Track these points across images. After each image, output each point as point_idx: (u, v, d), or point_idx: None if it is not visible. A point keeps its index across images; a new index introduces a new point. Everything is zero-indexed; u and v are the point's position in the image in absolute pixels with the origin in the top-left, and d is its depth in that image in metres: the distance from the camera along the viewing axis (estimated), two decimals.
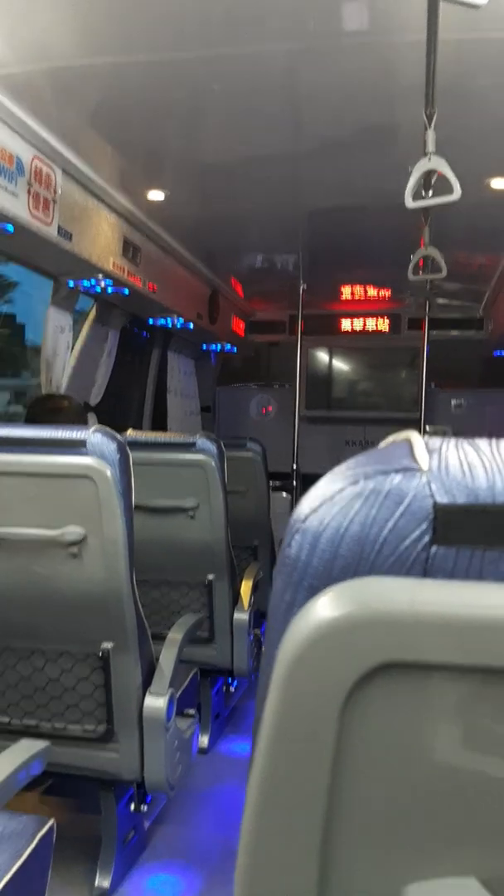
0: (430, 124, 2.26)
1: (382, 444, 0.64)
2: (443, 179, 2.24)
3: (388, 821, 0.56)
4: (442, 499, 0.53)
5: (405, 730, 0.54)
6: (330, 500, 0.56)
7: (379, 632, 0.52)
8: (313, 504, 0.56)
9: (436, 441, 0.58)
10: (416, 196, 2.29)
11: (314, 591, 0.55)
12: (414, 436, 0.60)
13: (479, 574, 0.53)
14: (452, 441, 0.58)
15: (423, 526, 0.53)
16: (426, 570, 0.53)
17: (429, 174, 2.27)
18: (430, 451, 0.56)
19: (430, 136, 2.26)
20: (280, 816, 0.56)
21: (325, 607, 0.53)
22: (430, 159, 2.24)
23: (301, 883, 0.57)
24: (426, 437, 0.59)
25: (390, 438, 0.65)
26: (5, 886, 1.63)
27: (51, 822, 1.82)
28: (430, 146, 2.24)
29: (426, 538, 0.53)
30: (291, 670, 0.53)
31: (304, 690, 0.54)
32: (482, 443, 0.58)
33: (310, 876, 0.57)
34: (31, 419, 3.22)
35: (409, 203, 2.25)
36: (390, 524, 0.54)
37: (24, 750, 1.72)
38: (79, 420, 3.32)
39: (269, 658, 0.57)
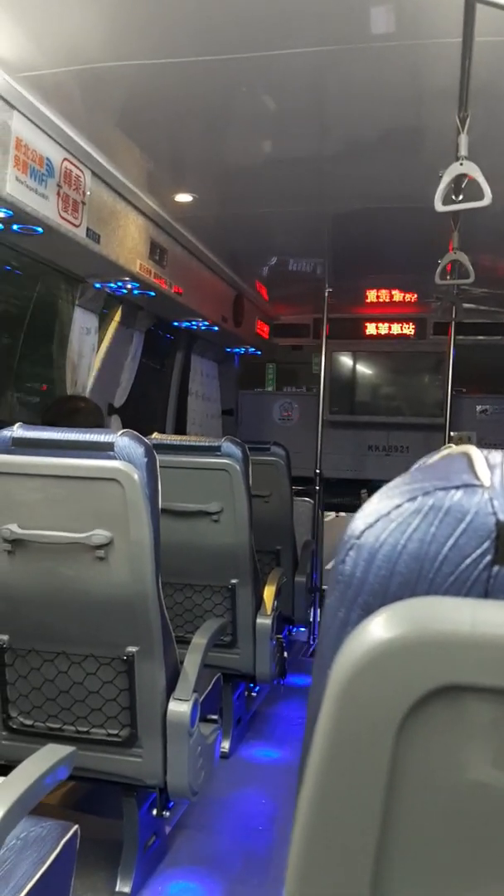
0: (463, 128, 2.24)
1: (437, 457, 0.62)
2: (473, 184, 2.21)
3: (442, 847, 0.55)
4: None
5: (462, 755, 0.52)
6: (387, 516, 0.54)
7: (437, 654, 0.50)
8: (369, 520, 0.55)
9: (496, 456, 0.57)
10: (446, 200, 2.27)
11: (369, 609, 0.53)
12: (473, 450, 0.58)
13: None
14: None
15: (486, 545, 0.51)
16: (488, 590, 0.52)
17: (459, 178, 2.25)
18: (491, 467, 0.55)
19: (463, 139, 2.23)
20: (331, 838, 0.55)
21: (380, 627, 0.51)
22: (462, 163, 2.22)
23: None
24: (485, 451, 0.58)
25: (444, 451, 0.63)
26: (30, 891, 1.62)
27: (75, 827, 1.81)
28: (463, 150, 2.22)
29: (488, 557, 0.51)
30: (345, 691, 0.52)
31: (358, 712, 0.52)
32: None
33: None
34: (49, 421, 3.22)
35: (439, 207, 2.23)
36: (450, 542, 0.52)
37: (51, 755, 1.71)
38: (96, 421, 3.32)
39: (321, 676, 0.56)
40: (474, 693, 0.50)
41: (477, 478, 0.54)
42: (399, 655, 0.50)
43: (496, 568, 0.51)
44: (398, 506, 0.54)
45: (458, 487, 0.53)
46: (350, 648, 0.52)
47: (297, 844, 0.56)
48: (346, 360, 7.40)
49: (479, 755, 0.52)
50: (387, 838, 0.54)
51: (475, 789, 0.53)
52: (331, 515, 7.12)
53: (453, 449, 0.62)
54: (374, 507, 0.55)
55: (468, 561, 0.52)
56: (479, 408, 7.07)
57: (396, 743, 0.52)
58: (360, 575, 0.54)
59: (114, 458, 2.21)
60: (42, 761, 1.67)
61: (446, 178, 2.21)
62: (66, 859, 1.79)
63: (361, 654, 0.51)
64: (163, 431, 5.83)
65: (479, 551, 0.51)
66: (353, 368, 7.46)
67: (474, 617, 0.50)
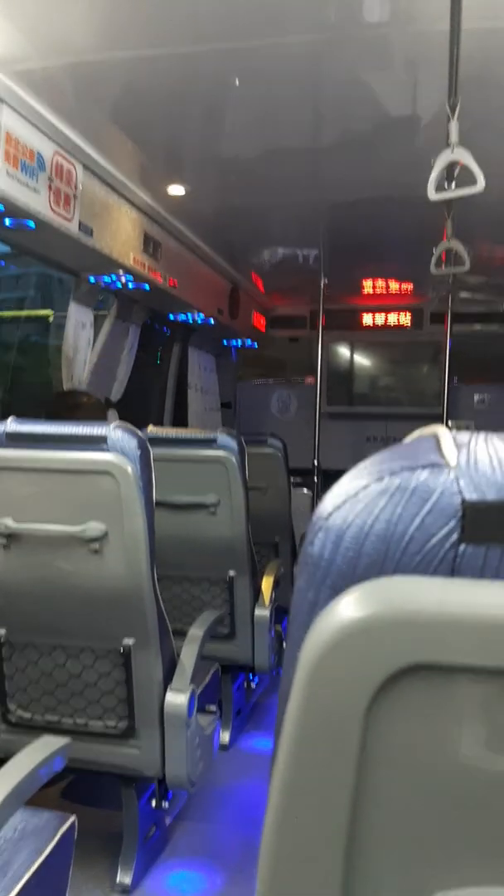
0: (453, 115, 2.23)
1: (408, 440, 0.62)
2: (466, 171, 2.20)
3: (415, 825, 0.55)
4: (471, 495, 0.52)
5: (431, 733, 0.52)
6: (354, 497, 0.54)
7: (405, 633, 0.50)
8: (336, 501, 0.55)
9: (464, 436, 0.57)
10: (439, 188, 2.26)
11: (338, 590, 0.53)
12: (441, 430, 0.58)
13: None
14: (481, 436, 0.57)
15: (451, 524, 0.52)
16: (454, 569, 0.52)
17: (452, 166, 2.24)
18: (458, 447, 0.55)
19: (454, 126, 2.22)
20: (303, 819, 0.55)
21: (349, 607, 0.51)
22: (453, 150, 2.21)
23: (325, 887, 0.56)
24: (454, 431, 0.58)
25: (416, 433, 0.63)
26: (27, 882, 1.63)
27: (72, 818, 1.82)
28: (454, 137, 2.21)
29: (454, 536, 0.52)
30: (314, 672, 0.52)
31: (327, 692, 0.52)
32: None
33: (334, 880, 0.55)
34: (51, 415, 3.23)
35: (432, 195, 2.22)
36: (417, 522, 0.52)
37: (46, 746, 1.71)
38: (98, 416, 3.32)
39: (291, 658, 0.56)
40: (442, 672, 0.51)
41: (443, 457, 0.54)
42: (367, 635, 0.51)
43: (462, 547, 0.52)
44: (365, 486, 0.54)
45: (424, 467, 0.53)
46: (318, 629, 0.52)
47: (269, 827, 0.56)
48: (343, 351, 7.39)
49: (450, 734, 0.52)
50: (359, 819, 0.54)
51: (447, 768, 0.53)
52: None
53: (423, 430, 0.62)
54: (343, 488, 0.55)
55: (434, 540, 0.52)
56: (476, 397, 7.07)
57: (366, 723, 0.52)
58: (328, 556, 0.54)
59: (107, 450, 2.21)
60: (36, 753, 1.67)
61: (438, 166, 2.20)
62: (63, 850, 1.79)
63: (330, 634, 0.51)
64: (160, 425, 5.83)
65: (445, 530, 0.52)
66: (351, 359, 7.45)
67: (441, 596, 0.50)
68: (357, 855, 0.55)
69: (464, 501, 0.51)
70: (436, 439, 0.57)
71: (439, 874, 0.55)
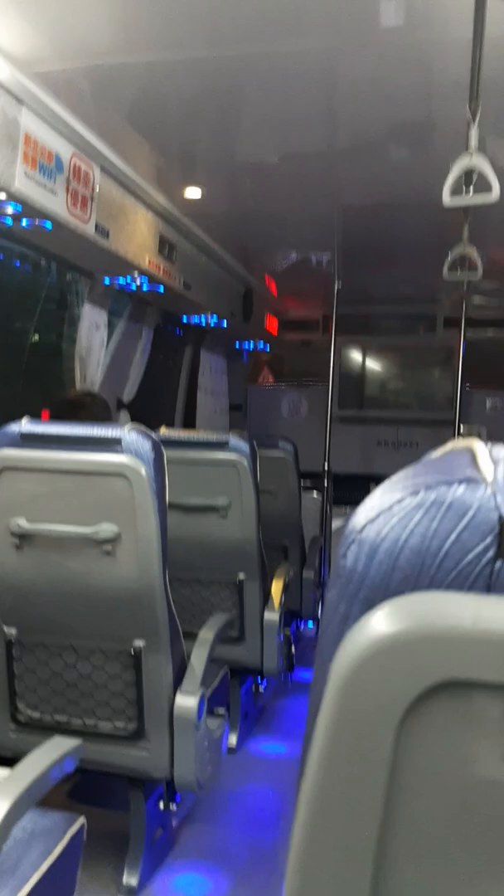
0: (473, 121, 2.22)
1: (439, 452, 0.62)
2: (483, 177, 2.20)
3: (444, 842, 0.54)
4: None
5: (464, 750, 0.52)
6: (388, 511, 0.54)
7: (439, 649, 0.50)
8: (370, 514, 0.55)
9: (500, 450, 0.56)
10: (456, 193, 2.25)
11: (370, 604, 0.53)
12: (476, 444, 0.58)
13: None
14: None
15: (488, 540, 0.51)
16: (490, 585, 0.51)
17: (470, 172, 2.23)
18: (494, 462, 0.54)
19: (474, 132, 2.21)
20: (332, 834, 0.55)
21: (382, 622, 0.51)
22: (471, 157, 2.20)
23: None
24: (489, 445, 0.57)
25: (449, 446, 0.63)
26: (37, 883, 1.63)
27: (81, 819, 1.82)
28: (473, 142, 2.20)
29: (490, 552, 0.51)
30: (346, 686, 0.52)
31: (358, 708, 0.52)
32: None
33: (362, 894, 0.55)
34: (55, 416, 3.23)
35: (447, 201, 2.22)
36: (452, 537, 0.52)
37: (57, 747, 1.72)
38: (102, 416, 3.32)
39: (322, 671, 0.55)
40: (476, 689, 0.50)
41: (480, 473, 0.53)
42: (400, 650, 0.50)
43: (499, 563, 0.51)
44: (400, 500, 0.54)
45: (460, 482, 0.53)
46: (351, 643, 0.52)
47: (298, 840, 0.56)
48: (355, 355, 7.38)
49: (482, 751, 0.52)
50: (388, 834, 0.54)
51: (478, 786, 0.53)
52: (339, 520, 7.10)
53: (457, 443, 0.62)
54: (376, 501, 0.55)
55: (470, 556, 0.51)
56: (489, 402, 7.04)
57: (398, 738, 0.52)
58: (361, 569, 0.54)
59: (121, 452, 2.21)
60: (48, 754, 1.68)
61: (455, 171, 2.20)
62: (72, 851, 1.79)
63: (363, 648, 0.51)
64: (172, 426, 5.83)
65: (481, 546, 0.51)
66: (363, 363, 7.44)
67: (476, 612, 0.50)
68: (386, 869, 0.55)
69: (501, 518, 0.51)
70: (471, 453, 0.57)
71: (468, 890, 0.55)
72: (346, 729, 0.53)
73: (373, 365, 7.51)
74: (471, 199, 2.28)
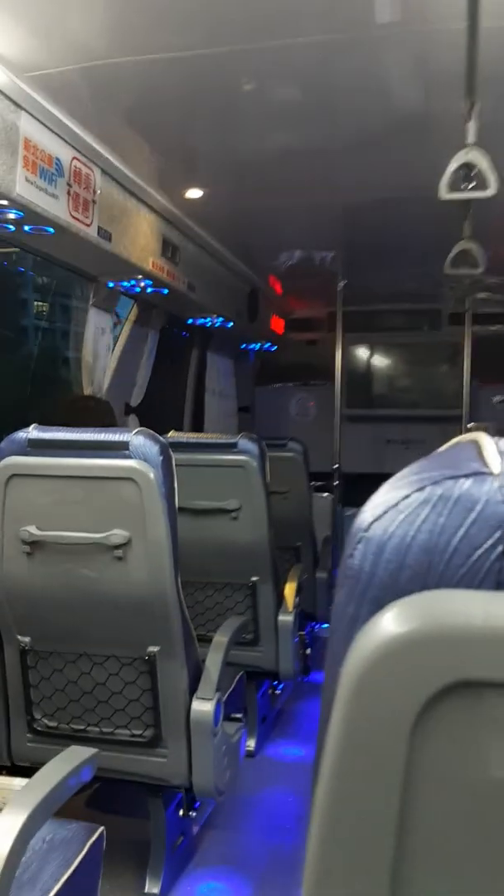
0: (470, 115, 2.21)
1: (446, 446, 0.60)
2: (482, 172, 2.18)
3: (462, 846, 0.53)
4: None
5: (479, 751, 0.51)
6: (395, 507, 0.52)
7: (450, 648, 0.48)
8: (377, 512, 0.53)
9: None
10: (455, 188, 2.24)
11: (380, 603, 0.52)
12: (482, 437, 0.57)
13: None
14: None
15: (497, 534, 0.50)
16: (500, 581, 0.50)
17: (469, 165, 2.21)
18: (501, 454, 0.53)
19: (472, 126, 2.20)
20: (348, 838, 0.53)
21: (391, 622, 0.49)
22: (468, 151, 2.18)
23: None
24: (496, 438, 0.56)
25: (455, 440, 0.61)
26: (57, 893, 1.62)
27: (100, 829, 1.81)
28: (471, 137, 2.18)
29: (500, 547, 0.50)
30: (357, 689, 0.50)
31: (371, 710, 0.51)
32: None
33: None
34: (59, 421, 3.21)
35: (444, 195, 2.20)
36: (461, 532, 0.50)
37: (74, 756, 1.70)
38: (107, 421, 3.31)
39: (333, 674, 0.54)
40: (490, 688, 0.49)
41: (486, 466, 0.52)
42: (411, 651, 0.49)
43: None
44: (406, 496, 0.52)
45: (467, 476, 0.51)
46: (361, 644, 0.50)
47: (314, 845, 0.55)
48: (361, 354, 7.36)
49: (498, 752, 0.51)
50: (405, 837, 0.53)
51: (495, 786, 0.51)
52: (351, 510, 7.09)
53: (463, 437, 0.60)
54: (383, 497, 0.54)
55: (479, 551, 0.50)
56: (496, 398, 7.01)
57: (411, 740, 0.50)
58: (368, 569, 0.53)
59: (129, 457, 2.20)
60: (65, 763, 1.67)
61: (452, 165, 2.18)
62: (92, 861, 1.78)
63: (373, 649, 0.50)
64: (180, 429, 5.82)
65: (490, 541, 0.50)
66: (369, 361, 7.42)
67: (487, 610, 0.48)
68: (403, 874, 0.53)
69: None
70: (477, 446, 0.55)
71: (485, 892, 0.53)
72: (359, 733, 0.51)
73: (379, 363, 7.49)
74: (468, 193, 2.26)
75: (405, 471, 0.55)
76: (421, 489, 0.52)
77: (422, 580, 0.51)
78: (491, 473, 0.51)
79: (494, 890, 0.53)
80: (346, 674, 0.51)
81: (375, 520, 0.53)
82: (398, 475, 0.55)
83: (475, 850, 0.53)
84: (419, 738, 0.50)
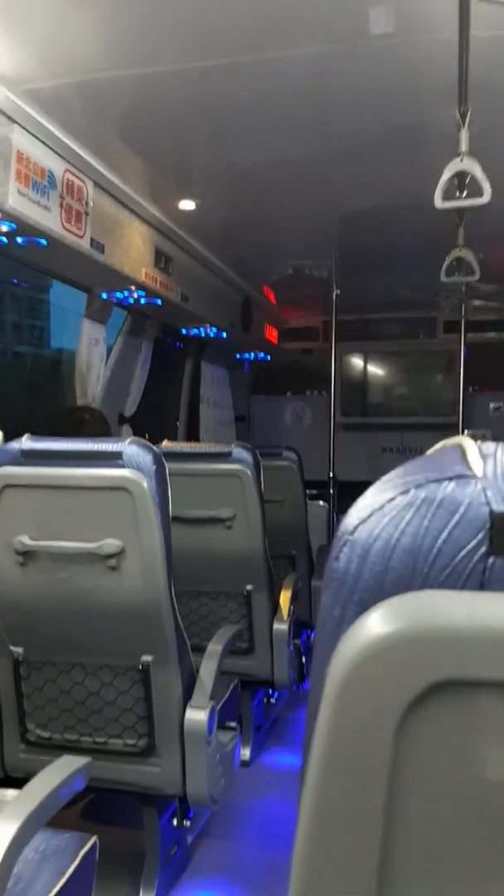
0: (463, 123, 2.22)
1: (431, 451, 0.61)
2: (475, 180, 2.19)
3: (448, 843, 0.53)
4: (499, 507, 0.50)
5: (464, 750, 0.51)
6: (380, 510, 0.53)
7: (435, 649, 0.49)
8: (362, 515, 0.54)
9: (489, 446, 0.55)
10: (449, 196, 2.25)
11: (365, 605, 0.52)
12: (466, 441, 0.57)
13: None
14: None
15: (480, 536, 0.50)
16: (483, 582, 0.50)
17: (462, 174, 2.23)
18: (484, 457, 0.53)
19: (464, 135, 2.21)
20: (334, 838, 0.54)
21: (376, 623, 0.50)
22: (462, 160, 2.20)
23: None
24: (479, 442, 0.56)
25: (440, 444, 0.62)
26: None
27: (93, 839, 1.80)
28: (464, 146, 2.20)
29: (483, 549, 0.50)
30: (343, 690, 0.51)
31: (356, 710, 0.51)
32: None
33: None
34: (54, 432, 3.22)
35: (439, 203, 2.22)
36: (444, 535, 0.51)
37: (66, 766, 1.70)
38: (102, 432, 3.31)
39: (319, 675, 0.54)
40: (474, 687, 0.49)
41: (469, 469, 0.52)
42: (396, 651, 0.49)
43: (491, 559, 0.50)
44: (391, 499, 0.53)
45: (450, 479, 0.52)
46: (347, 646, 0.51)
47: (301, 845, 0.55)
48: (356, 362, 7.38)
49: (482, 750, 0.51)
50: (391, 838, 0.53)
51: (480, 785, 0.52)
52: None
53: (448, 441, 0.61)
54: (368, 501, 0.54)
55: (463, 553, 0.50)
56: (492, 405, 7.03)
57: (397, 740, 0.51)
58: (354, 571, 0.53)
59: (123, 466, 2.20)
60: (57, 773, 1.66)
61: (446, 174, 2.20)
62: (85, 871, 1.77)
63: (358, 651, 0.50)
64: (175, 439, 5.82)
65: (473, 543, 0.50)
66: (364, 370, 7.43)
67: (471, 610, 0.49)
68: (390, 873, 0.54)
69: (492, 513, 0.50)
70: (461, 450, 0.56)
71: (473, 892, 0.54)
72: (345, 733, 0.52)
73: (374, 371, 7.51)
74: (463, 201, 2.27)
75: (390, 474, 0.56)
76: (405, 492, 0.53)
77: (406, 582, 0.52)
78: (474, 476, 0.52)
79: (482, 887, 0.54)
80: (331, 675, 0.51)
81: (360, 523, 0.53)
82: (383, 479, 0.56)
83: (461, 848, 0.53)
84: (405, 736, 0.51)
